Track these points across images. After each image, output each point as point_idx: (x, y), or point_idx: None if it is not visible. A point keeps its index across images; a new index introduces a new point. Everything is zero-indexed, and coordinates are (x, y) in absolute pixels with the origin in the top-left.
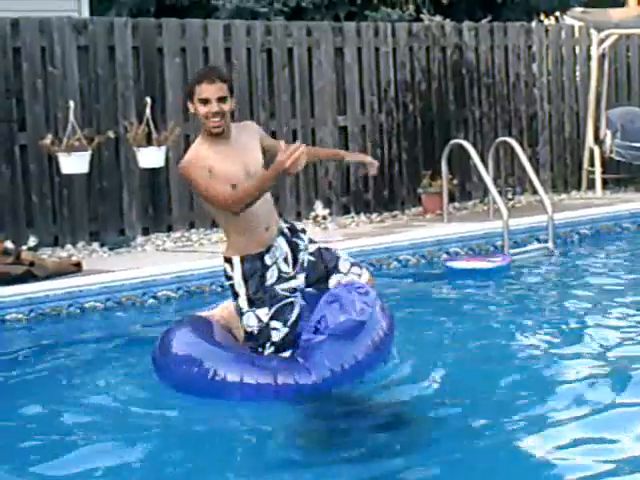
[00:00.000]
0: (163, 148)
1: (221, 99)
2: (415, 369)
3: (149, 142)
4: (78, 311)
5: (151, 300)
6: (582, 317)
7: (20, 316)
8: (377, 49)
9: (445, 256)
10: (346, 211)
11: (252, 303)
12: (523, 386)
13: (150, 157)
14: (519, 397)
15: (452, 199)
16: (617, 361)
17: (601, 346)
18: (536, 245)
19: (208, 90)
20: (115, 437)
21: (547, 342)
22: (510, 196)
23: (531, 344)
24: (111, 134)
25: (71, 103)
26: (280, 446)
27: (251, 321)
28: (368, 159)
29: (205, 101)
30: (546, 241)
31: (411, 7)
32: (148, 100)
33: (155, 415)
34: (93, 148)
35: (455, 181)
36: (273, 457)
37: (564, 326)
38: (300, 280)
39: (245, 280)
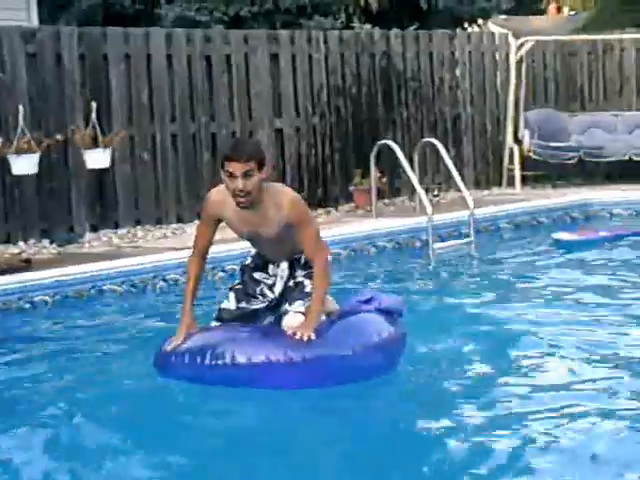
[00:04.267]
0: (109, 149)
1: (247, 174)
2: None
3: (95, 144)
4: (28, 305)
5: (98, 295)
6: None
7: None
8: (310, 56)
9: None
10: None
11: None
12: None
13: (97, 158)
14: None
15: (382, 196)
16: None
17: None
18: (459, 241)
19: (234, 166)
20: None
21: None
22: (436, 193)
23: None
24: (59, 137)
25: (20, 107)
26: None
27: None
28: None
29: (231, 175)
30: (468, 235)
31: (343, 16)
32: (94, 105)
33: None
34: (42, 150)
35: (385, 179)
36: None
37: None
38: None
39: None
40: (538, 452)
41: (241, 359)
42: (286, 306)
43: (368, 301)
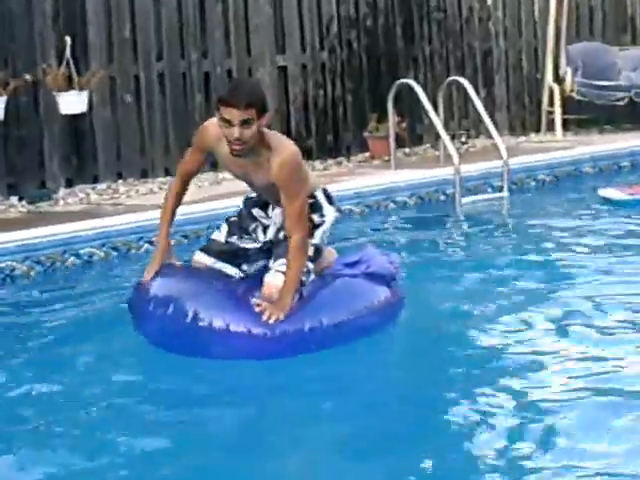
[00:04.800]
0: (85, 92)
1: (245, 122)
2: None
3: (70, 86)
4: None
5: (72, 259)
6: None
7: None
8: None
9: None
10: None
11: None
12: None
13: (72, 102)
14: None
15: (402, 144)
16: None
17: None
18: (489, 195)
19: (231, 113)
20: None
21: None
22: (464, 140)
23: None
24: (28, 77)
25: None
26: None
27: None
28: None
29: (227, 122)
30: (501, 189)
31: None
32: (68, 39)
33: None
34: (9, 93)
35: (404, 124)
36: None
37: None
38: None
39: None
40: (535, 425)
41: (202, 322)
42: (270, 262)
43: (355, 264)
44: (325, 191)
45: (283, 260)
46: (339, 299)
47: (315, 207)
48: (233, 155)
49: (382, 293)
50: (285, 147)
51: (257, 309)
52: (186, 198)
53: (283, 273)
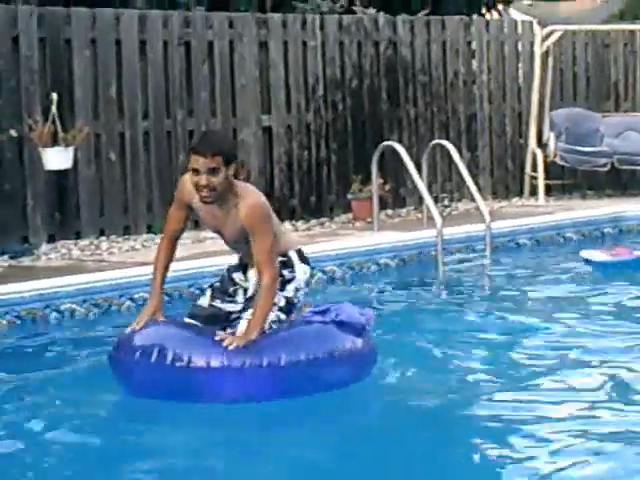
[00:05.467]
0: (71, 148)
1: (212, 171)
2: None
3: (55, 142)
4: None
5: (54, 315)
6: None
7: None
8: (304, 43)
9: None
10: None
11: None
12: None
13: (57, 158)
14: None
15: (385, 206)
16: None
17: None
18: (471, 257)
19: (198, 162)
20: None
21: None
22: (447, 203)
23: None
24: (14, 132)
25: None
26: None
27: None
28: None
29: (196, 170)
30: (483, 252)
31: None
32: (54, 96)
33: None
34: None
35: (388, 186)
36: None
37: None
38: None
39: None
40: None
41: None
42: (244, 313)
43: (324, 312)
44: (299, 252)
45: (251, 311)
46: (303, 340)
47: (287, 264)
48: (202, 202)
49: (349, 341)
50: (251, 193)
51: (217, 338)
52: None
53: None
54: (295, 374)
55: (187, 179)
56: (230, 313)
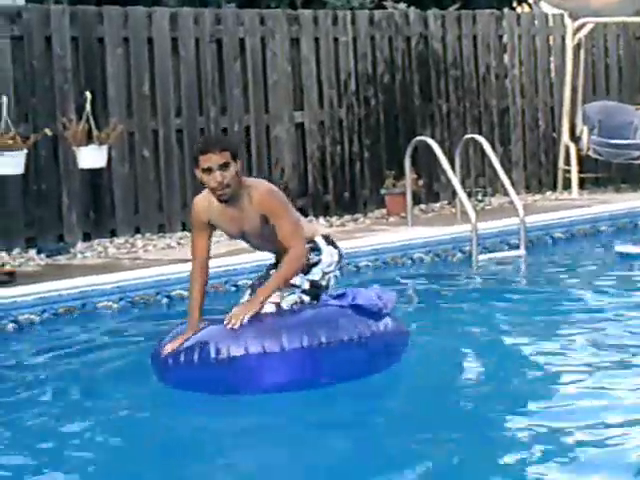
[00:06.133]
0: (105, 147)
1: (223, 166)
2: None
3: (90, 140)
4: (11, 325)
5: (91, 312)
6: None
7: None
8: (336, 39)
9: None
10: (304, 214)
11: None
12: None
13: (91, 156)
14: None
15: (418, 201)
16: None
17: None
18: (506, 253)
19: (210, 160)
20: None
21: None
22: (480, 197)
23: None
24: (48, 132)
25: (4, 98)
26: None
27: None
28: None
29: (208, 170)
30: (517, 246)
31: None
32: (88, 95)
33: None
34: (29, 147)
35: (421, 181)
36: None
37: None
38: None
39: None
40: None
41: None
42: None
43: (341, 296)
44: (326, 237)
45: (277, 292)
46: (326, 321)
47: (313, 249)
48: (220, 201)
49: (365, 325)
50: (260, 182)
51: (226, 323)
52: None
53: (275, 303)
54: (304, 358)
55: (197, 200)
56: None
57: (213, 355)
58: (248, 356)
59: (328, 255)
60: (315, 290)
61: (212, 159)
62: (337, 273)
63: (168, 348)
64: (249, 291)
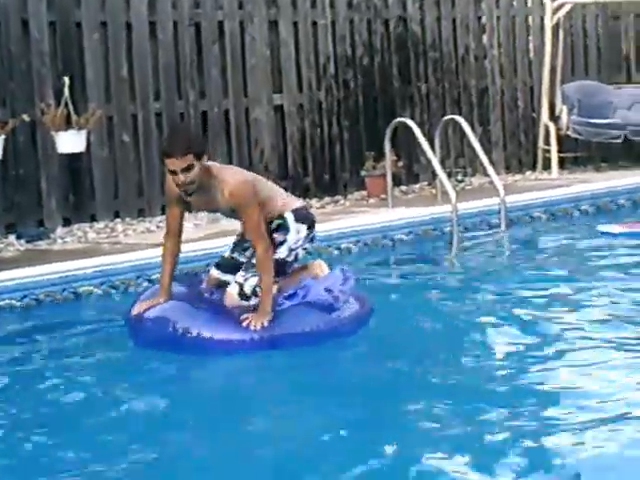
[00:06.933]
0: (84, 131)
1: (187, 169)
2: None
3: (68, 125)
4: None
5: (71, 297)
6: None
7: None
8: (314, 22)
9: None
10: None
11: None
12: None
13: (70, 141)
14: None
15: (398, 182)
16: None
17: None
18: (487, 232)
19: (173, 164)
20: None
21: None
22: (460, 178)
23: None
24: (26, 117)
25: None
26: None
27: None
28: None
29: (172, 172)
30: (498, 226)
31: None
32: (66, 79)
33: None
34: (7, 132)
35: (401, 163)
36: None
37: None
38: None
39: None
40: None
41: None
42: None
43: (292, 296)
44: (297, 211)
45: (242, 273)
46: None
47: (281, 226)
48: (185, 196)
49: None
50: (231, 174)
51: (244, 323)
52: (184, 237)
53: (239, 283)
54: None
55: (170, 179)
56: (242, 262)
57: (170, 329)
58: (199, 337)
59: (294, 233)
60: (282, 267)
61: (175, 163)
62: (306, 246)
63: (136, 310)
64: (232, 245)
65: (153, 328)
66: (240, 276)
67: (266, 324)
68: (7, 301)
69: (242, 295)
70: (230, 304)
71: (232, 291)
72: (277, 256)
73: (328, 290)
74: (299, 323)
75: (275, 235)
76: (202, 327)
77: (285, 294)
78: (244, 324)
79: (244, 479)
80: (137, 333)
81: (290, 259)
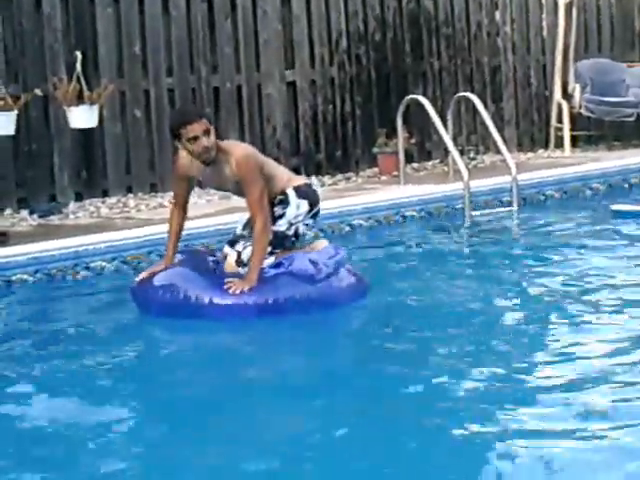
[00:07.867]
0: (96, 106)
1: (207, 132)
2: None
3: (80, 100)
4: (3, 284)
5: (84, 272)
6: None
7: None
8: None
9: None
10: (296, 173)
11: None
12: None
13: (82, 116)
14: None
15: (410, 159)
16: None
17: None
18: (498, 209)
19: (194, 129)
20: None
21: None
22: (472, 155)
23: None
24: (39, 92)
25: None
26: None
27: None
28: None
29: (194, 138)
30: (510, 203)
31: None
32: (78, 54)
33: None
34: (19, 107)
35: (413, 140)
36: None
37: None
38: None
39: None
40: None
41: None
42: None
43: (277, 265)
44: (298, 188)
45: (242, 242)
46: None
47: (282, 201)
48: (206, 164)
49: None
50: (237, 147)
51: (226, 286)
52: (196, 213)
53: (237, 251)
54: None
55: (179, 159)
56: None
57: (169, 295)
58: (194, 303)
59: (294, 208)
60: (281, 240)
61: (195, 129)
62: (308, 221)
63: (140, 276)
64: (244, 222)
65: (154, 294)
66: (240, 244)
67: (246, 290)
68: (19, 276)
69: (239, 262)
70: (229, 271)
71: (230, 258)
72: (276, 229)
73: (313, 262)
74: (281, 291)
75: (275, 209)
76: (200, 292)
77: (272, 263)
78: (225, 287)
79: (247, 447)
80: (139, 300)
81: (290, 233)
